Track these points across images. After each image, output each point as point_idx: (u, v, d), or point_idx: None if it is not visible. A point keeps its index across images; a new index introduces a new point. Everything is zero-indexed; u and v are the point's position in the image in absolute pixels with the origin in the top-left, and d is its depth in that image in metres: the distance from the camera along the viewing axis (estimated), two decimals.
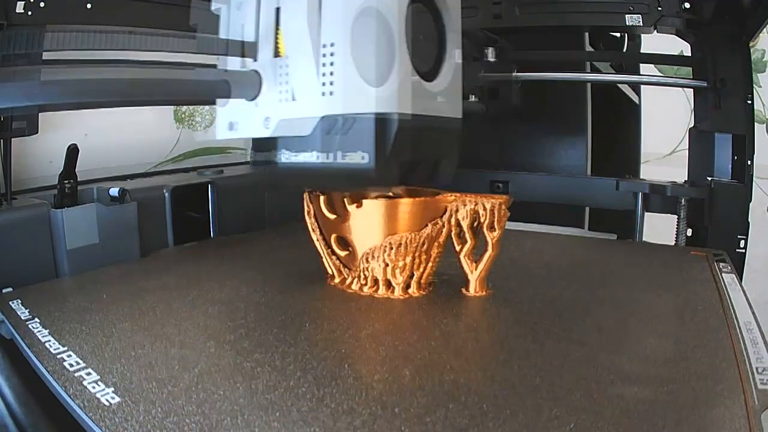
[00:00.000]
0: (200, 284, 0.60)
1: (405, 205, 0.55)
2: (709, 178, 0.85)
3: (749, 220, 0.82)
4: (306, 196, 0.61)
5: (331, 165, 0.46)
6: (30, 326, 0.48)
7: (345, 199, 0.55)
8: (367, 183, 0.53)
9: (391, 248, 0.55)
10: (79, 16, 0.69)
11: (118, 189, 0.71)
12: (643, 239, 0.88)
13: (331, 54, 0.44)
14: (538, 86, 1.00)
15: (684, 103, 1.42)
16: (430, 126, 0.48)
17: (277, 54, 0.48)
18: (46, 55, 0.52)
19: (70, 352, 0.43)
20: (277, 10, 0.47)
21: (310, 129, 0.46)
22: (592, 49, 1.08)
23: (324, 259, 0.61)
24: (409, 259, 0.56)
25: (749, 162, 0.83)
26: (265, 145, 0.51)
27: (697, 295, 0.58)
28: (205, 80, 0.49)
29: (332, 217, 0.57)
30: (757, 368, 0.41)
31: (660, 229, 0.93)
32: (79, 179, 0.67)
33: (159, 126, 1.07)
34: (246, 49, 0.48)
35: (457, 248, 0.57)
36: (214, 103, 0.53)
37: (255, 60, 0.49)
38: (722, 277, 0.63)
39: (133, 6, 0.75)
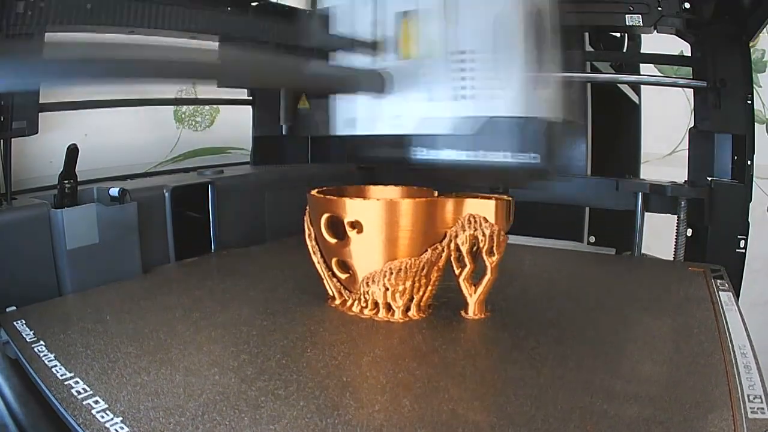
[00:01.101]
0: (202, 304, 0.61)
1: (405, 231, 0.55)
2: (709, 178, 0.85)
3: (749, 220, 0.82)
4: (306, 218, 0.62)
5: (469, 163, 0.50)
6: (36, 349, 0.48)
7: (346, 225, 0.56)
8: (503, 179, 0.57)
9: (392, 273, 0.56)
10: (79, 17, 0.69)
11: (118, 189, 0.71)
12: (643, 239, 0.88)
13: (468, 61, 0.48)
14: None
15: (684, 103, 1.42)
16: (547, 127, 0.51)
17: (402, 56, 0.50)
18: None
19: (77, 379, 0.43)
20: (402, 14, 0.50)
21: (444, 128, 0.49)
22: (592, 49, 1.08)
23: (325, 281, 0.62)
24: (409, 284, 0.56)
25: (749, 162, 0.83)
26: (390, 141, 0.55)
27: (693, 317, 0.58)
28: (340, 74, 0.52)
29: (333, 241, 0.58)
30: (749, 395, 0.42)
31: (660, 228, 0.93)
32: (79, 179, 0.67)
33: (159, 126, 1.07)
34: (370, 49, 0.51)
35: (457, 272, 0.58)
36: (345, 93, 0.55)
37: (378, 61, 0.51)
38: (719, 296, 0.64)
39: (131, 6, 0.75)
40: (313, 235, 0.61)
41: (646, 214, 0.88)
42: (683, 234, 0.85)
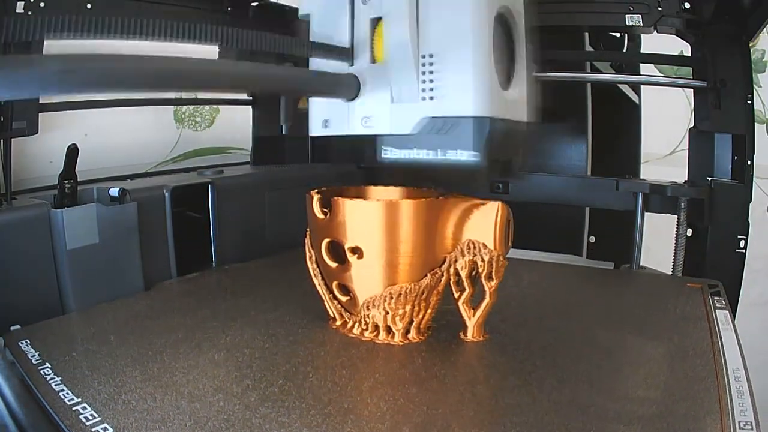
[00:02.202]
0: (205, 325, 0.61)
1: (405, 257, 0.56)
2: (709, 178, 0.85)
3: (749, 220, 0.82)
4: (307, 241, 0.62)
5: (432, 161, 0.52)
6: (42, 372, 0.48)
7: (346, 250, 0.56)
8: (466, 177, 0.59)
9: (392, 297, 0.56)
10: (80, 17, 0.69)
11: (118, 189, 0.71)
12: (643, 239, 0.88)
13: (431, 64, 0.51)
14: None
15: (684, 103, 1.42)
16: (508, 128, 0.55)
17: (373, 60, 0.54)
18: None
19: (85, 404, 0.43)
20: (375, 20, 0.53)
21: (410, 128, 0.52)
22: (592, 49, 1.08)
23: (326, 303, 0.62)
24: (408, 307, 0.57)
25: (749, 162, 0.84)
26: (360, 142, 0.57)
27: (689, 337, 0.58)
28: (315, 77, 0.54)
29: (334, 265, 0.58)
30: (740, 422, 0.42)
31: (660, 227, 0.93)
32: (79, 179, 0.67)
33: (159, 126, 1.07)
34: (344, 54, 0.54)
35: (456, 295, 0.58)
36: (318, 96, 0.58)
37: (351, 65, 0.55)
38: (715, 315, 0.64)
39: (132, 7, 0.75)
40: (314, 257, 0.62)
41: (646, 213, 0.88)
42: (683, 234, 0.85)
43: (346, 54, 0.54)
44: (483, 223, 0.56)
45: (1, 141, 0.67)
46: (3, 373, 0.48)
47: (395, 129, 0.53)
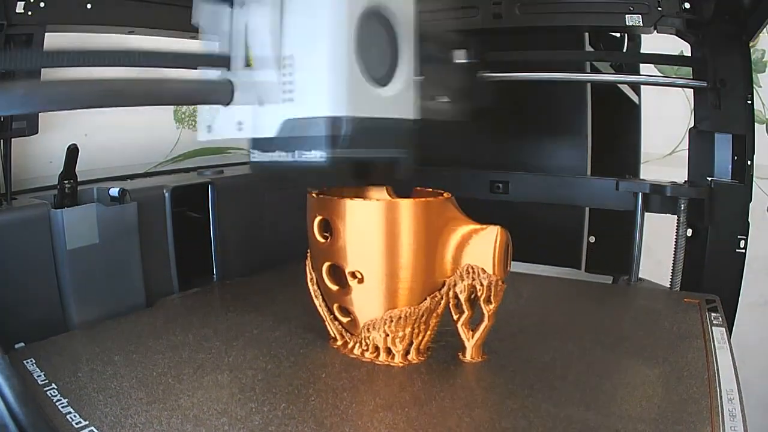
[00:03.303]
0: (207, 344, 0.61)
1: (405, 281, 0.56)
2: (709, 179, 0.85)
3: (749, 220, 0.82)
4: (308, 263, 0.62)
5: (291, 163, 0.51)
6: (48, 393, 0.48)
7: (347, 274, 0.56)
8: (323, 179, 0.61)
9: (392, 321, 0.56)
10: (79, 17, 0.69)
11: (118, 189, 0.71)
12: (643, 240, 0.88)
13: (290, 65, 0.50)
14: (538, 86, 1.00)
15: (684, 103, 1.42)
16: (381, 126, 0.54)
17: (247, 64, 0.52)
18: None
19: (93, 428, 0.43)
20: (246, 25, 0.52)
21: (274, 131, 0.51)
22: (592, 49, 1.08)
23: (327, 323, 0.62)
24: (408, 330, 0.57)
25: (749, 162, 0.84)
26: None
27: (684, 357, 0.58)
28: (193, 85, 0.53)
29: (335, 288, 0.58)
30: None
31: (661, 228, 0.93)
32: (79, 179, 0.67)
33: (159, 126, 1.07)
34: (223, 61, 0.53)
35: (455, 318, 0.58)
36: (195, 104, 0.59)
37: (228, 69, 0.53)
38: (712, 332, 0.64)
39: (132, 6, 0.75)
40: (314, 279, 0.62)
41: (646, 214, 0.88)
42: (683, 234, 0.85)
43: (224, 61, 0.53)
44: (482, 248, 0.56)
45: (1, 141, 0.67)
46: (3, 373, 0.48)
47: (261, 132, 0.52)
